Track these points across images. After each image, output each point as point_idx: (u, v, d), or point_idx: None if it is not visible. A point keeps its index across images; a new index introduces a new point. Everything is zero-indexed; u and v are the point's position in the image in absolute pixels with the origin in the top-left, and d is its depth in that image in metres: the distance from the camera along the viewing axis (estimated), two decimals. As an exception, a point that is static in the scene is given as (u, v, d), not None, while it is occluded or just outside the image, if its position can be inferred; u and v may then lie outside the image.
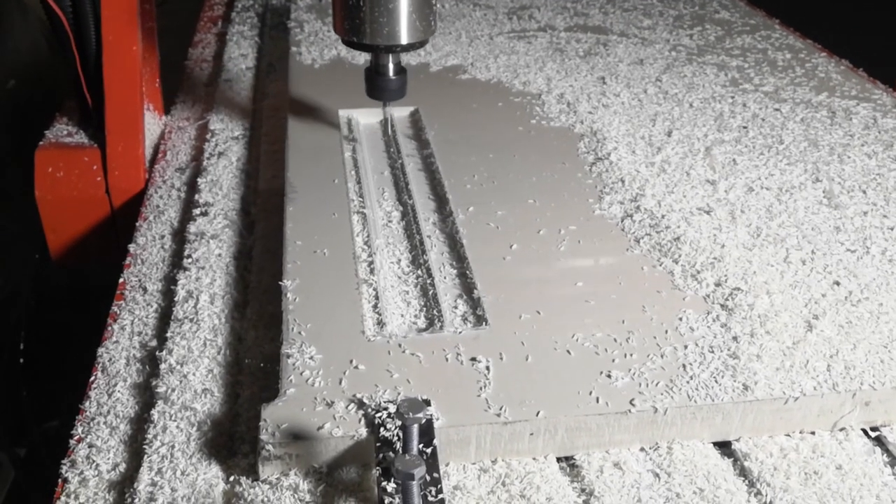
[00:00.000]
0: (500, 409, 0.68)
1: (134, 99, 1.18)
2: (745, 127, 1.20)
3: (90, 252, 1.24)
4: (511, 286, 0.84)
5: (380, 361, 0.73)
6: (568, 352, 0.75)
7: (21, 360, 1.36)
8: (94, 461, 0.69)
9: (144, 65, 1.22)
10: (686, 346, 0.76)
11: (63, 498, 0.66)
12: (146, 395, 0.76)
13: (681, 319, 0.79)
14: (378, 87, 1.04)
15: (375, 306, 0.82)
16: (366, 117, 1.19)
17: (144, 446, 0.69)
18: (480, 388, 0.71)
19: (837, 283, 0.86)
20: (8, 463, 1.33)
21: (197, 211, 1.03)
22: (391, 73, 1.02)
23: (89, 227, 1.22)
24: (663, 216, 0.96)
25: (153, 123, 1.28)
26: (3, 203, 1.54)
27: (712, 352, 0.75)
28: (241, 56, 1.53)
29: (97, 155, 1.19)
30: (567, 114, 1.22)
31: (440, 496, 0.60)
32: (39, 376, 1.41)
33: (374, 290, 0.84)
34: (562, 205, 0.99)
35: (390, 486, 0.61)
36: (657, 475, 0.68)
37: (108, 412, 0.74)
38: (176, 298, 0.87)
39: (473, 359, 0.74)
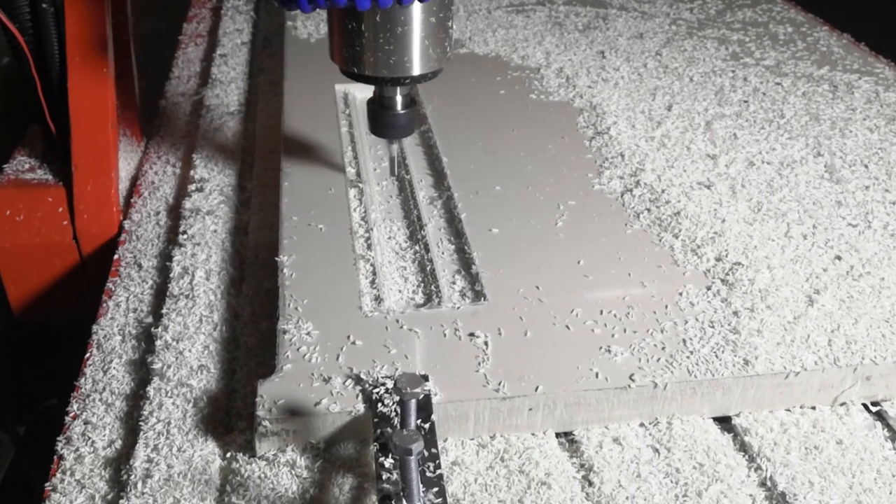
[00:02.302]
0: (499, 384, 0.68)
1: (104, 129, 1.00)
2: (745, 101, 1.19)
3: (58, 306, 1.07)
4: (510, 261, 0.83)
5: (377, 337, 0.73)
6: (567, 327, 0.74)
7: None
8: (89, 438, 0.68)
9: (119, 85, 1.06)
10: (686, 322, 0.75)
11: (59, 475, 0.65)
12: (142, 372, 0.76)
13: (681, 294, 0.79)
14: (383, 124, 0.88)
15: (373, 282, 0.81)
16: (362, 92, 1.18)
17: (140, 423, 0.69)
18: (479, 364, 0.70)
19: (839, 258, 0.85)
20: (8, 442, 1.32)
21: (192, 187, 1.02)
22: (399, 106, 0.87)
23: (55, 278, 1.05)
24: (663, 191, 0.95)
25: (130, 152, 1.13)
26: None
27: (713, 327, 0.75)
28: (237, 31, 1.51)
29: (62, 195, 1.01)
30: (566, 88, 1.21)
31: (438, 471, 0.60)
32: (40, 354, 1.40)
33: (372, 265, 0.83)
34: (561, 180, 0.98)
35: (388, 462, 0.60)
36: (657, 450, 0.68)
37: (104, 389, 0.74)
38: (171, 275, 0.86)
39: (472, 334, 0.73)
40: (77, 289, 1.06)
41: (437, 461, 0.61)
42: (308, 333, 0.73)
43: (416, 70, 0.80)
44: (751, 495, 0.64)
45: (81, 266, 1.04)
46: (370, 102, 0.88)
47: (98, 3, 0.97)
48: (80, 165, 1.00)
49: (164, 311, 0.81)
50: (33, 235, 1.01)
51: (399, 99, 0.86)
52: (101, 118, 1.00)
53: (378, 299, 0.79)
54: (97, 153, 1.01)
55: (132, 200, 1.03)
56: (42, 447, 1.24)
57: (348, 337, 0.72)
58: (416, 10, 0.76)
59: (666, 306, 0.77)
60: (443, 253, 0.86)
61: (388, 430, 0.63)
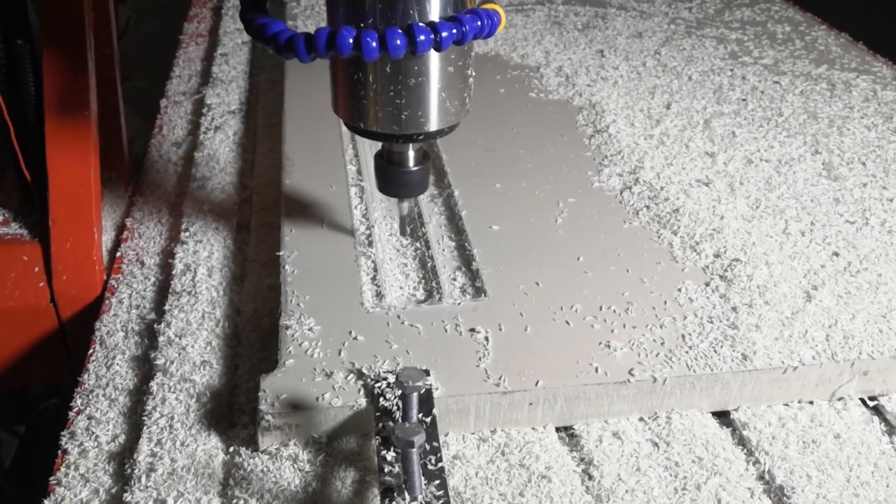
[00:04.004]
0: (500, 378, 0.68)
1: (86, 179, 0.89)
2: (744, 99, 1.19)
3: (34, 374, 0.97)
4: (510, 258, 0.83)
5: (379, 332, 0.73)
6: (567, 322, 0.75)
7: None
8: (93, 433, 0.69)
9: (102, 125, 0.96)
10: (685, 317, 0.76)
11: (63, 469, 0.66)
12: (145, 368, 0.76)
13: (680, 290, 0.79)
14: (393, 182, 0.77)
15: (374, 278, 0.82)
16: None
17: (144, 418, 0.69)
18: (479, 359, 0.71)
19: (836, 254, 0.85)
20: None
21: (194, 185, 1.03)
22: (411, 163, 0.76)
23: (31, 345, 0.94)
24: (662, 188, 0.96)
25: (116, 199, 1.02)
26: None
27: (711, 322, 0.75)
28: (237, 30, 1.51)
29: (39, 252, 0.90)
30: (565, 87, 1.22)
31: (440, 464, 0.60)
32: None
33: (373, 262, 0.84)
34: (560, 177, 0.98)
35: (390, 455, 0.61)
36: (656, 444, 0.68)
37: (107, 384, 0.74)
38: (174, 272, 0.87)
39: (472, 329, 0.74)
40: (55, 356, 0.95)
41: (439, 454, 0.61)
42: (310, 329, 0.73)
43: (432, 126, 0.69)
44: (749, 488, 0.65)
45: (60, 332, 0.93)
46: (378, 157, 0.78)
47: (79, 39, 0.89)
48: (58, 220, 0.89)
49: (166, 307, 0.82)
50: (6, 298, 0.90)
51: (411, 154, 0.76)
52: (82, 167, 0.90)
53: (379, 295, 0.79)
54: (77, 206, 0.89)
55: (133, 199, 1.04)
56: (32, 471, 1.23)
57: (350, 332, 0.73)
58: (433, 59, 0.66)
59: (665, 302, 0.78)
60: (443, 250, 0.86)
61: (390, 423, 0.64)
